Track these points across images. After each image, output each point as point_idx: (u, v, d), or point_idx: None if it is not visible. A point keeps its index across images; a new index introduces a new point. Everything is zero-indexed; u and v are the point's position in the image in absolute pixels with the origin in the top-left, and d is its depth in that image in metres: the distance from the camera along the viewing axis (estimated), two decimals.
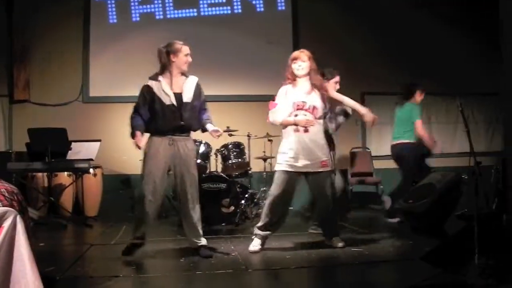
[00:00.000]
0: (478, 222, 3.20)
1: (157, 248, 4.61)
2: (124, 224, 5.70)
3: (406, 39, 7.93)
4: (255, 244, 4.46)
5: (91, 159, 6.22)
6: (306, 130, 4.37)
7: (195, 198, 4.24)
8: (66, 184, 6.55)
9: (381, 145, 8.03)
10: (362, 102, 7.43)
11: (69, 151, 6.14)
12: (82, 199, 6.75)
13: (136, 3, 7.75)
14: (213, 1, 7.89)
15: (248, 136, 6.54)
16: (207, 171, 6.25)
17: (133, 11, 7.74)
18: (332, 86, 4.97)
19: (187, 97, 4.22)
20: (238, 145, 6.37)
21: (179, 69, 4.23)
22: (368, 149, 7.96)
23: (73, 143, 6.16)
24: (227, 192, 5.91)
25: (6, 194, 2.63)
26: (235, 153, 6.30)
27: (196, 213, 4.25)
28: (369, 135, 8.11)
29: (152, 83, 4.21)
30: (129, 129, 4.22)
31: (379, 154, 7.91)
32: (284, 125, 4.47)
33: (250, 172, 6.49)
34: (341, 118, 4.99)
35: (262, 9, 7.99)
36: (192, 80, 4.31)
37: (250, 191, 6.46)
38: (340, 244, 4.53)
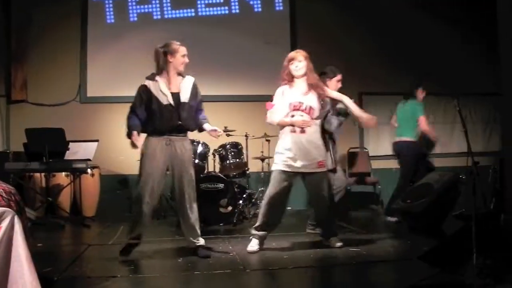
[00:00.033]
0: (476, 222, 3.20)
1: (155, 248, 4.61)
2: (121, 224, 5.69)
3: (404, 39, 7.93)
4: (253, 245, 4.46)
5: (89, 159, 6.21)
6: (302, 131, 4.36)
7: (192, 198, 4.24)
8: (64, 184, 6.54)
9: (379, 145, 8.05)
10: (360, 102, 7.47)
11: (67, 151, 6.13)
12: (80, 199, 6.73)
13: (134, 3, 7.73)
14: (210, 1, 7.88)
15: (246, 136, 6.54)
16: (205, 171, 6.24)
17: (130, 11, 7.72)
18: (334, 84, 4.99)
19: (185, 97, 4.22)
20: (236, 145, 6.37)
21: (176, 69, 4.24)
22: (366, 149, 7.97)
23: (70, 143, 6.15)
24: (225, 192, 5.91)
25: (4, 195, 2.63)
26: (233, 153, 6.31)
27: (193, 213, 4.25)
28: (367, 135, 8.11)
29: (149, 83, 4.20)
30: (126, 129, 4.21)
31: (377, 154, 7.92)
32: (281, 126, 4.48)
33: (248, 172, 6.49)
34: (342, 117, 4.97)
35: (259, 9, 7.99)
36: (189, 80, 4.32)
37: (248, 191, 6.46)
38: (338, 244, 4.54)
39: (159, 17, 7.78)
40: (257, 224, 4.53)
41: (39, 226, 5.76)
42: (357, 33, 7.98)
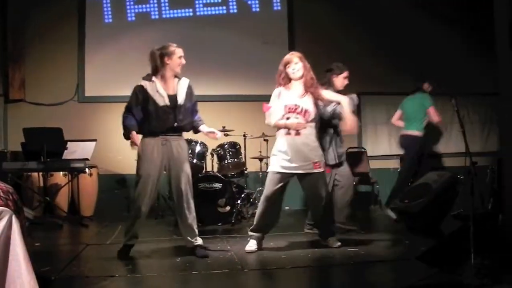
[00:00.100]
0: (474, 222, 3.21)
1: (153, 247, 4.61)
2: (119, 223, 5.68)
3: (402, 39, 7.93)
4: (251, 245, 4.46)
5: (87, 159, 6.21)
6: (297, 133, 4.36)
7: (189, 197, 4.24)
8: (62, 183, 6.52)
9: (377, 145, 8.06)
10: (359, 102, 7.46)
11: (65, 151, 6.12)
12: (77, 199, 6.72)
13: (132, 3, 7.72)
14: (208, 1, 7.86)
15: (244, 136, 6.54)
16: (203, 171, 6.24)
17: (128, 11, 7.71)
18: (341, 81, 5.05)
19: (181, 98, 4.23)
20: (234, 145, 6.37)
21: (172, 71, 4.23)
22: (364, 149, 7.96)
23: (68, 143, 6.14)
24: (223, 192, 5.92)
25: (1, 194, 2.63)
26: (231, 153, 6.31)
27: (191, 212, 4.25)
28: (365, 135, 8.12)
29: (145, 84, 4.20)
30: (122, 129, 4.20)
31: (375, 154, 7.93)
32: (278, 128, 4.48)
33: (246, 172, 6.49)
34: (337, 120, 4.97)
35: (257, 9, 7.98)
36: (185, 82, 4.32)
37: (246, 191, 6.46)
38: (336, 244, 4.54)
39: (157, 17, 7.77)
40: (254, 225, 4.54)
41: (37, 225, 5.75)
42: (355, 33, 7.98)
